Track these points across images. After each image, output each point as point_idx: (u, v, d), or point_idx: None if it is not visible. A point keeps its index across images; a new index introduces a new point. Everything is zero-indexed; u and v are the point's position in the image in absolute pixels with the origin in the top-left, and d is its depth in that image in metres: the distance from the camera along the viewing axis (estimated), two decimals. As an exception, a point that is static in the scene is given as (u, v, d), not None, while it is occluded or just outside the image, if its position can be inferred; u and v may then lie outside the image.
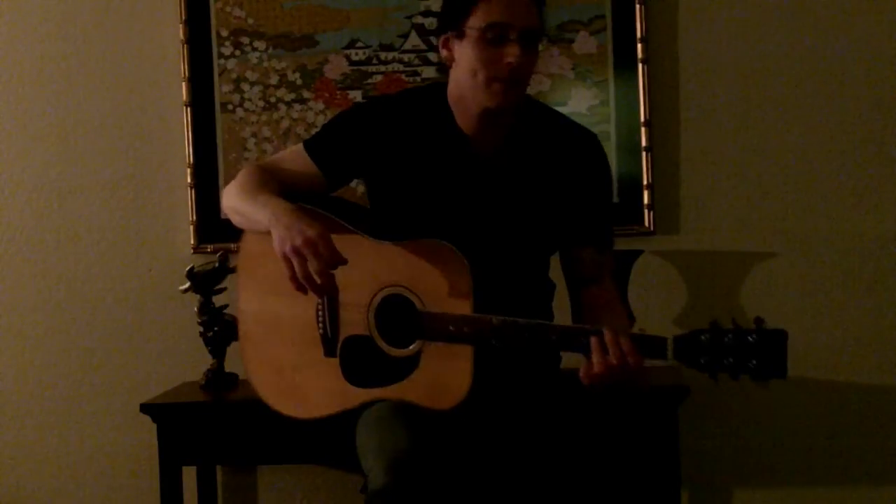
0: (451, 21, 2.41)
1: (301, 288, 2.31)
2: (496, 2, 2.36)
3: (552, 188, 2.48)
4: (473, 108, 2.43)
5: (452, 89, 2.48)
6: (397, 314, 2.42)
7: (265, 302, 2.52)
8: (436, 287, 2.37)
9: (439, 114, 2.48)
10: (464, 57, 2.40)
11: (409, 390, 2.38)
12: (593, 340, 2.21)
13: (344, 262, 2.30)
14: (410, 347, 2.40)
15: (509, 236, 2.46)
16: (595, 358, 2.20)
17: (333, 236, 2.33)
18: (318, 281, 2.29)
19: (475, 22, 2.36)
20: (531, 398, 2.46)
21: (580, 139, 2.53)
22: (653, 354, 2.20)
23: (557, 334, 2.28)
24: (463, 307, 2.34)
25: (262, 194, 2.42)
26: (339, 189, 2.59)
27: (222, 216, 3.41)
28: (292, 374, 2.49)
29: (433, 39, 3.30)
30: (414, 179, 2.48)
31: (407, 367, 2.39)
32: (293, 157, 2.56)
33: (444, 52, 2.45)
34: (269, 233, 2.35)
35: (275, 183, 2.48)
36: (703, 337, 2.15)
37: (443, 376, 2.35)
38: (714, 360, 2.15)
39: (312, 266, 2.28)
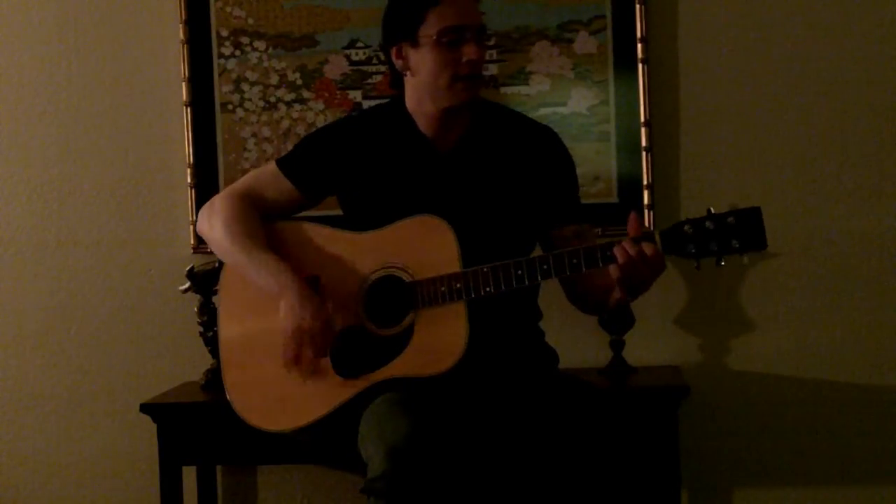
0: (403, 31, 2.48)
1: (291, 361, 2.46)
2: (446, 6, 2.43)
3: (515, 175, 2.54)
4: (434, 109, 2.51)
5: (411, 96, 2.55)
6: (389, 295, 2.45)
7: (246, 324, 2.57)
8: (422, 257, 2.42)
9: (401, 121, 2.56)
10: (422, 63, 2.47)
11: (402, 366, 2.41)
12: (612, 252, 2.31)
13: (325, 355, 2.44)
14: (402, 323, 2.42)
15: (480, 224, 2.49)
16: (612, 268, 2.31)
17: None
18: (302, 363, 2.45)
19: (429, 29, 2.44)
20: (530, 396, 2.46)
21: (537, 129, 2.61)
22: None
23: (549, 263, 2.34)
24: (452, 267, 2.39)
25: (256, 249, 2.51)
26: (315, 206, 2.67)
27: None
28: (280, 386, 2.51)
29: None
30: (384, 184, 2.54)
31: (401, 343, 2.42)
32: (269, 180, 2.63)
33: (398, 62, 2.52)
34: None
35: (261, 227, 2.56)
36: (686, 227, 2.29)
37: (438, 339, 2.39)
38: (700, 247, 2.28)
39: (305, 352, 2.43)
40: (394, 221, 2.47)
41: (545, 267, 2.35)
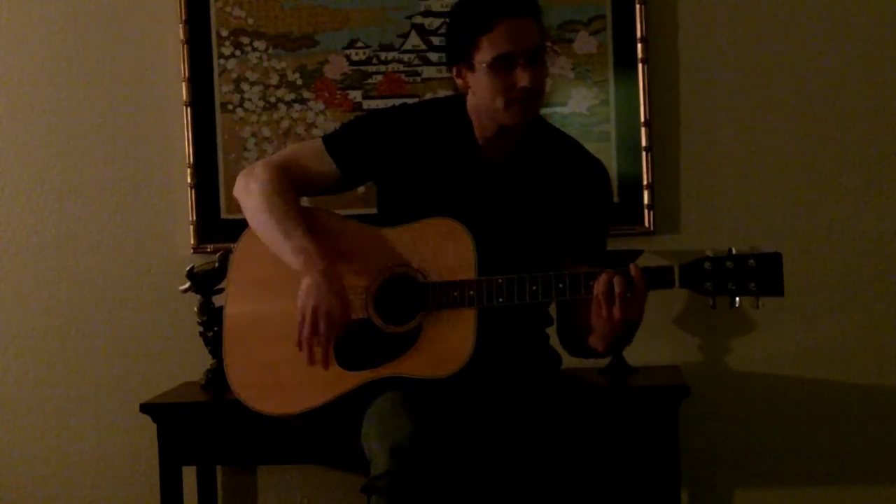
0: (460, 55, 2.48)
1: (300, 344, 2.42)
2: (498, 33, 2.41)
3: (554, 198, 2.53)
4: (492, 125, 2.51)
5: (471, 106, 2.55)
6: (400, 293, 2.45)
7: (255, 302, 2.55)
8: (438, 260, 2.42)
9: (458, 123, 2.55)
10: (479, 86, 2.47)
11: (405, 365, 2.41)
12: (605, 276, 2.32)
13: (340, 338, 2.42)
14: (410, 323, 2.42)
15: (514, 236, 2.48)
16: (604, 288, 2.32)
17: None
18: (317, 350, 2.41)
19: (482, 56, 2.43)
20: (532, 397, 2.46)
21: (589, 162, 2.61)
22: (661, 284, 2.35)
23: (565, 282, 2.35)
24: (467, 274, 2.39)
25: (289, 221, 2.48)
26: (349, 190, 2.66)
27: (222, 216, 3.44)
28: (281, 370, 2.49)
29: (434, 39, 3.32)
30: (427, 180, 2.53)
31: (406, 342, 2.42)
32: (311, 155, 2.59)
33: (458, 81, 2.52)
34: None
35: (295, 204, 2.53)
36: (706, 264, 2.31)
37: (444, 343, 2.39)
38: (718, 285, 2.30)
39: (319, 336, 2.39)
40: (427, 217, 2.46)
41: (560, 286, 2.35)
